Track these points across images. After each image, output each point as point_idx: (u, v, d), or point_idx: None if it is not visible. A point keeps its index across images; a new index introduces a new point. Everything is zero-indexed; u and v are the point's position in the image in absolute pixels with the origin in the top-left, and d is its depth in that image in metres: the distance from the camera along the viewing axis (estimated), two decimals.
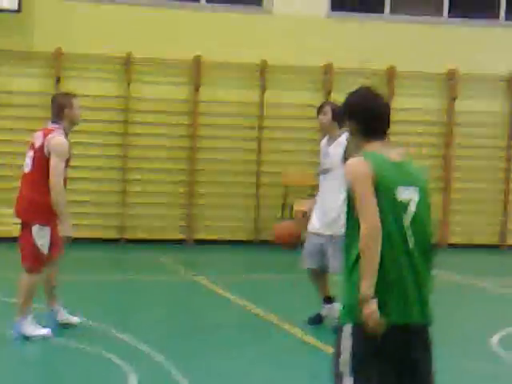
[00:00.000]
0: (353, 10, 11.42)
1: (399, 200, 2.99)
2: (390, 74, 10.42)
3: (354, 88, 2.94)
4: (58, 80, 9.60)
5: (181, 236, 10.26)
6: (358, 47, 10.25)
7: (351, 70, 10.13)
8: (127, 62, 9.76)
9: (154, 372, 5.14)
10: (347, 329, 2.93)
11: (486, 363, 5.36)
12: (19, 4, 9.33)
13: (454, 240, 10.80)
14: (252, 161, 10.29)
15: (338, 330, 3.00)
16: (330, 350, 4.27)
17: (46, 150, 5.11)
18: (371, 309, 2.80)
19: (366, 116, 3.00)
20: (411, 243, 2.99)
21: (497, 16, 11.28)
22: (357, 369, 2.87)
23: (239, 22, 10.29)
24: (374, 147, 3.00)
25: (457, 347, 5.60)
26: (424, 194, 3.08)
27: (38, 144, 5.25)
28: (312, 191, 7.49)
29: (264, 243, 9.73)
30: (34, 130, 5.66)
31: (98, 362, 5.35)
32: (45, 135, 5.27)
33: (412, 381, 2.95)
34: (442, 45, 10.58)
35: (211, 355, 5.58)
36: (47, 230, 5.08)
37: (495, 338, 5.85)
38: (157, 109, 9.93)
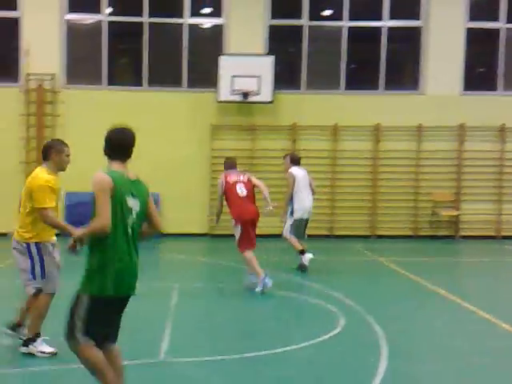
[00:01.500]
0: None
1: (128, 205, 3.94)
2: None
3: None
4: (294, 141, 14.83)
5: (367, 232, 14.94)
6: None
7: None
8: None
9: (358, 320, 6.68)
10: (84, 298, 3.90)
11: None
12: (272, 97, 14.17)
13: None
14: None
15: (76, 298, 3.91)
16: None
17: None
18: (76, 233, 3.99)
19: (111, 145, 4.21)
20: (130, 234, 3.92)
21: None
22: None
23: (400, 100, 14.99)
24: (116, 167, 4.03)
25: None
26: (143, 204, 4.04)
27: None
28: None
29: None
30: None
31: (316, 308, 7.21)
32: None
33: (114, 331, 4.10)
34: None
35: (406, 317, 7.10)
36: None
37: None
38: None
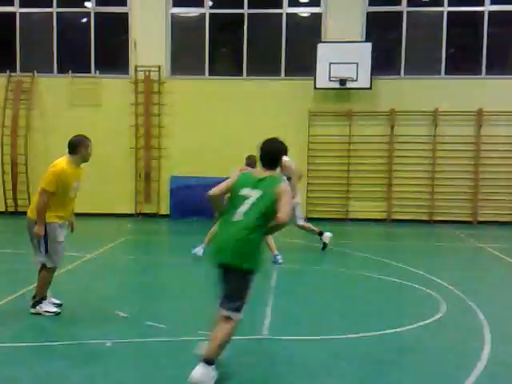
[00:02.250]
0: None
1: (240, 194, 4.37)
2: None
3: None
4: (392, 127, 14.40)
5: (468, 218, 14.36)
6: None
7: None
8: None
9: (460, 305, 6.57)
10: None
11: None
12: (370, 84, 13.89)
13: None
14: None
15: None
16: None
17: None
18: None
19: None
20: (236, 218, 4.30)
21: None
22: None
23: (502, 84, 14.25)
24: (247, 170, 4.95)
25: None
26: (264, 195, 4.31)
27: None
28: None
29: None
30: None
31: (417, 293, 7.11)
32: None
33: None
34: None
35: (509, 303, 6.91)
36: None
37: None
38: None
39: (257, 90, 14.57)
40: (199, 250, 9.25)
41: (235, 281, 4.40)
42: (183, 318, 6.16)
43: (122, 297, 7.18)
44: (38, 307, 6.10)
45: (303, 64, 14.67)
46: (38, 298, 6.13)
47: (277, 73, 14.75)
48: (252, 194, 4.32)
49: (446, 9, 14.28)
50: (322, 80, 13.97)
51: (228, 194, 4.50)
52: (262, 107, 14.53)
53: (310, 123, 14.48)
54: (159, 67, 14.71)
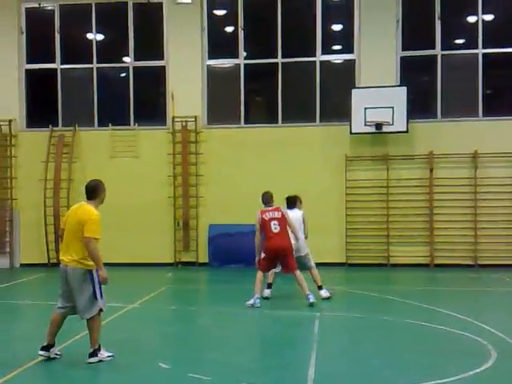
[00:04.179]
0: None
1: None
2: None
3: None
4: (431, 170, 14.22)
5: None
6: None
7: None
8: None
9: (510, 351, 6.42)
10: None
11: None
12: (407, 127, 13.82)
13: None
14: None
15: None
16: None
17: None
18: None
19: None
20: None
21: None
22: None
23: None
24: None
25: None
26: None
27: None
28: None
29: None
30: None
31: (464, 340, 6.96)
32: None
33: None
34: None
35: None
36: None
37: None
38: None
39: (292, 137, 14.71)
40: (256, 303, 9.15)
41: None
42: (227, 370, 6.08)
43: (165, 347, 7.16)
44: (99, 354, 6.25)
45: (338, 110, 14.79)
46: (97, 346, 6.27)
47: (312, 119, 14.89)
48: None
49: (480, 51, 14.29)
50: (358, 125, 14.04)
51: None
52: (298, 154, 14.63)
53: (347, 168, 14.47)
54: (196, 117, 15.01)
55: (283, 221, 9.32)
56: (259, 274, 9.31)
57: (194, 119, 15.03)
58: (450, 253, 14.15)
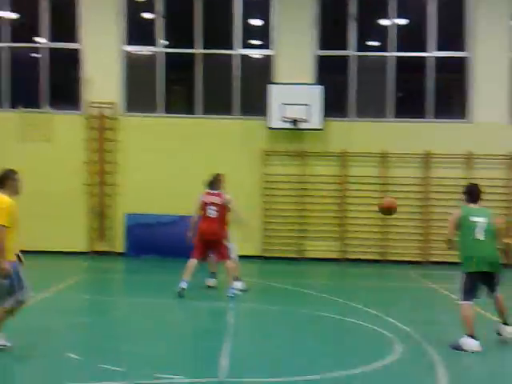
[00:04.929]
0: None
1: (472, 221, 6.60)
2: None
3: None
4: (344, 168, 14.56)
5: (419, 258, 14.49)
6: None
7: None
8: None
9: (413, 343, 6.69)
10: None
11: None
12: (322, 125, 14.11)
13: None
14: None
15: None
16: None
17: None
18: None
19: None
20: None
21: None
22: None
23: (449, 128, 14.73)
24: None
25: None
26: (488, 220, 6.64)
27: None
28: None
29: None
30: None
31: (372, 333, 7.17)
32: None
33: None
34: None
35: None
36: None
37: None
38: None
39: (210, 128, 14.69)
40: (180, 286, 9.07)
41: None
42: (140, 361, 6.01)
43: (77, 338, 6.98)
44: None
45: (257, 104, 14.89)
46: None
47: (230, 112, 14.92)
48: None
49: (393, 54, 14.82)
50: (275, 120, 14.22)
51: None
52: (216, 146, 14.63)
53: (265, 162, 14.63)
54: (113, 104, 14.65)
55: (222, 208, 9.36)
56: (191, 260, 9.22)
57: (111, 106, 14.66)
58: (361, 248, 14.65)
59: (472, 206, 6.77)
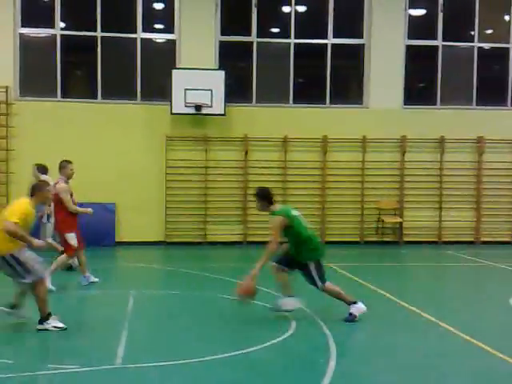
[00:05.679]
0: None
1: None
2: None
3: None
4: (246, 153, 14.88)
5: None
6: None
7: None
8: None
9: (308, 322, 7.07)
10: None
11: None
12: (224, 110, 14.20)
13: None
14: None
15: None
16: None
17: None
18: None
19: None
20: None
21: None
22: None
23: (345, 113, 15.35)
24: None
25: None
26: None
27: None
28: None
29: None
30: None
31: (268, 312, 7.34)
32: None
33: None
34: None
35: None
36: None
37: None
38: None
39: (112, 114, 14.40)
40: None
41: None
42: (31, 353, 5.89)
43: None
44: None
45: (160, 89, 14.74)
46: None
47: (133, 97, 14.68)
48: None
49: (292, 40, 15.11)
50: (178, 105, 14.14)
51: None
52: (119, 131, 14.40)
53: (168, 147, 14.54)
54: (7, 88, 14.01)
55: (56, 198, 8.94)
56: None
57: (4, 90, 14.00)
58: (262, 231, 14.84)
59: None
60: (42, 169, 10.75)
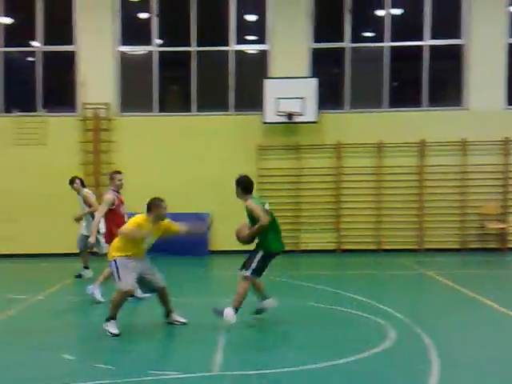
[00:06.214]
0: None
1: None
2: None
3: None
4: (339, 159, 14.63)
5: (415, 246, 14.60)
6: None
7: None
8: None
9: (408, 332, 6.70)
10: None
11: None
12: (317, 117, 14.12)
13: None
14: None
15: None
16: None
17: None
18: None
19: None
20: None
21: None
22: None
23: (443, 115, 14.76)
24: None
25: None
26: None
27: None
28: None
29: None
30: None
31: (365, 322, 7.24)
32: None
33: None
34: None
35: (456, 328, 7.05)
36: None
37: None
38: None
39: (206, 125, 14.69)
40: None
41: None
42: (133, 358, 5.98)
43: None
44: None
45: (252, 99, 14.86)
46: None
47: (225, 108, 14.90)
48: None
49: (387, 44, 14.77)
50: (270, 115, 14.20)
51: None
52: (212, 143, 14.64)
53: (260, 157, 14.61)
54: (108, 104, 14.66)
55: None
56: None
57: (106, 106, 14.66)
58: (356, 238, 14.63)
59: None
60: (82, 182, 10.88)
